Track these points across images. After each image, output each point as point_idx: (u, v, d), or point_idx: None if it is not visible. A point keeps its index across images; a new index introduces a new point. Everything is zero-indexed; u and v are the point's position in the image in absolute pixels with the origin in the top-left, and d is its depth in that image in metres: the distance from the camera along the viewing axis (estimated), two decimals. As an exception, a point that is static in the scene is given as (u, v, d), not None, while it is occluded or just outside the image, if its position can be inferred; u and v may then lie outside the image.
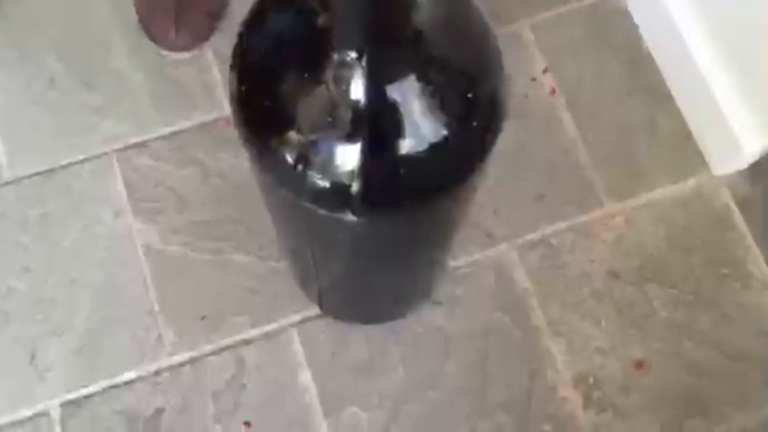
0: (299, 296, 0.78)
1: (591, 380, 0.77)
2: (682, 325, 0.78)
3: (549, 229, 0.81)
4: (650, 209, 0.82)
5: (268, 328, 0.77)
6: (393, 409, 0.75)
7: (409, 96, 0.39)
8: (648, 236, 0.81)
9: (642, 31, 0.87)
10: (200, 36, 0.85)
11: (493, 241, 0.81)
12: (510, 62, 0.46)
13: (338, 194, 0.43)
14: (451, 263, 0.78)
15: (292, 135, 0.43)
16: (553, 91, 0.86)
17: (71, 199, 0.81)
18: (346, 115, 0.40)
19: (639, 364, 0.77)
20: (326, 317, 0.77)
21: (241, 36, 0.44)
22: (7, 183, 0.82)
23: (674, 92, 0.85)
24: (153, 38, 0.85)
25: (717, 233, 0.81)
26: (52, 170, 0.82)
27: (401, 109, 0.39)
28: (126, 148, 0.83)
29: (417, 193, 0.44)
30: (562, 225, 0.81)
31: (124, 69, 0.85)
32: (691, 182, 0.83)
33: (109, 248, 0.80)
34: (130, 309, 0.78)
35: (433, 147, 0.41)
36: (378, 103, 0.39)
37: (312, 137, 0.42)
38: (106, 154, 0.83)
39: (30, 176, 0.82)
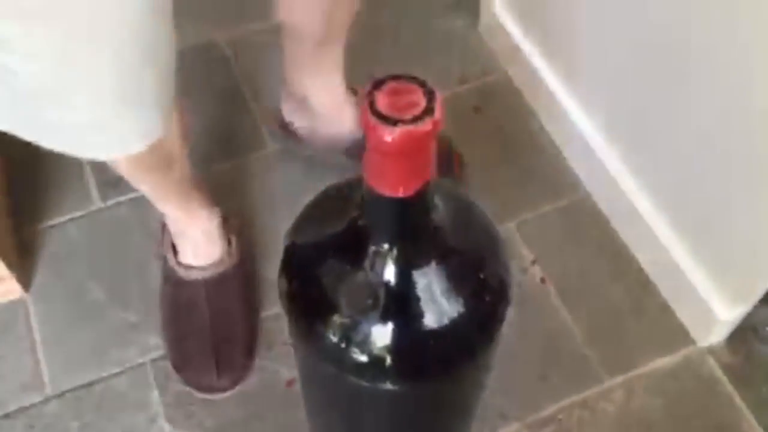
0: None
1: None
2: (693, 490, 0.83)
3: (555, 407, 0.87)
4: (646, 381, 0.89)
5: None
6: None
7: (432, 279, 0.48)
8: (647, 407, 0.88)
9: (614, 224, 0.99)
10: (240, 376, 0.87)
11: (506, 422, 0.86)
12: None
13: (376, 367, 0.51)
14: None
15: (336, 319, 0.51)
16: (542, 281, 0.96)
17: (109, 409, 0.87)
18: (381, 298, 0.48)
19: None
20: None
21: (287, 243, 0.54)
22: (48, 398, 0.88)
23: (651, 276, 0.95)
24: (192, 385, 0.86)
25: (709, 399, 0.88)
26: (90, 383, 0.89)
27: (427, 290, 0.49)
28: (159, 358, 0.90)
29: (443, 363, 0.51)
30: (566, 402, 0.88)
31: (157, 286, 0.95)
32: (680, 354, 0.91)
33: (145, 454, 0.85)
34: None
35: (454, 321, 0.50)
36: (406, 287, 0.48)
37: (353, 320, 0.51)
38: (141, 365, 0.90)
39: (71, 390, 0.88)
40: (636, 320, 0.93)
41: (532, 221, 1.00)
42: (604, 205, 1.00)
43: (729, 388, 0.88)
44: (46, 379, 0.89)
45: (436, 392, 0.54)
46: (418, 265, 0.48)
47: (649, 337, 0.92)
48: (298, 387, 0.86)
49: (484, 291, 0.51)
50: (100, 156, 0.65)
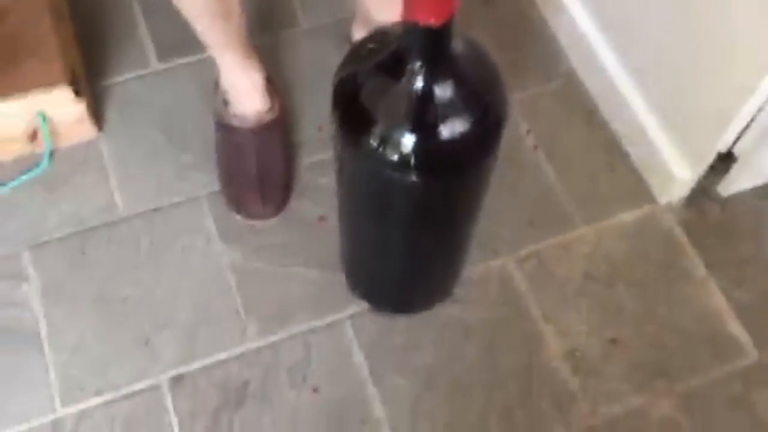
0: (351, 297, 1.01)
1: (577, 354, 0.99)
2: (643, 312, 1.02)
3: (539, 246, 1.07)
4: (615, 229, 1.08)
5: (329, 319, 1.00)
6: (427, 380, 0.97)
7: (451, 93, 0.66)
8: (614, 249, 1.07)
9: (596, 101, 1.16)
10: (280, 208, 1.06)
11: (497, 255, 1.06)
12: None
13: (404, 164, 0.69)
14: (465, 271, 1.03)
15: (376, 128, 0.69)
16: (535, 147, 1.14)
17: (172, 231, 1.06)
18: (413, 105, 0.66)
19: (613, 341, 1.00)
20: (372, 311, 1.01)
21: (339, 70, 0.71)
22: (122, 218, 1.07)
23: (624, 142, 1.13)
24: (241, 212, 1.05)
25: (666, 245, 1.07)
26: (157, 209, 1.07)
27: (446, 102, 0.66)
28: (213, 192, 1.09)
29: (455, 162, 0.69)
30: (548, 242, 1.07)
31: (210, 133, 1.11)
32: (644, 209, 1.09)
33: (202, 266, 1.04)
34: (222, 309, 1.01)
35: (465, 129, 0.68)
36: (431, 97, 0.65)
37: (390, 126, 0.68)
38: (198, 197, 1.09)
39: (140, 213, 1.07)
40: (609, 180, 1.11)
41: (529, 98, 1.17)
42: (590, 85, 1.17)
43: (683, 238, 1.07)
44: (119, 203, 1.08)
45: (448, 187, 0.73)
46: (442, 81, 0.65)
47: (620, 194, 1.10)
48: (326, 223, 1.06)
49: (488, 109, 0.69)
50: None
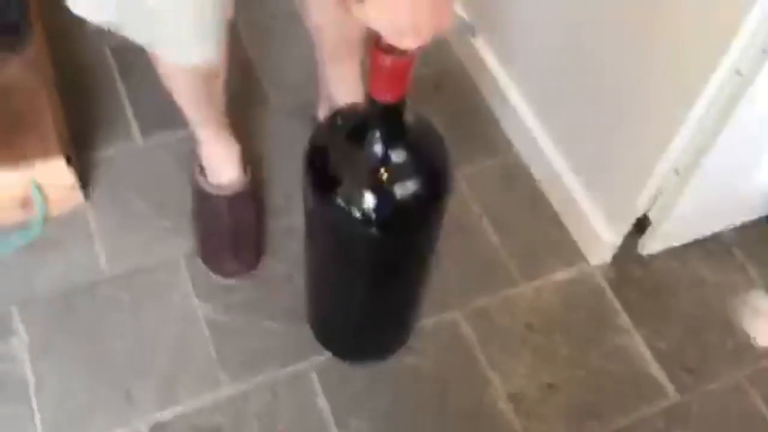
0: (316, 348, 1.12)
1: (519, 397, 1.11)
2: (577, 359, 1.15)
3: (485, 300, 1.19)
4: (551, 286, 1.21)
5: (295, 368, 1.10)
6: (385, 422, 1.07)
7: (404, 159, 0.79)
8: (551, 303, 1.20)
9: (533, 173, 1.31)
10: (252, 266, 1.17)
11: (448, 309, 1.18)
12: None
13: (366, 220, 0.81)
14: (419, 323, 1.14)
15: (342, 189, 0.82)
16: (480, 216, 1.28)
17: (152, 289, 1.16)
18: (373, 170, 0.79)
19: (550, 386, 1.12)
20: (335, 360, 1.11)
21: (310, 139, 0.85)
22: (106, 278, 1.16)
23: (558, 209, 1.28)
24: (216, 271, 1.16)
25: (596, 300, 1.21)
26: (137, 270, 1.17)
27: (400, 166, 0.79)
28: (189, 254, 1.19)
29: (409, 218, 0.82)
30: (493, 298, 1.20)
31: (187, 201, 1.23)
32: (577, 267, 1.23)
33: (179, 321, 1.13)
34: (197, 360, 1.10)
35: (418, 191, 0.81)
36: (388, 162, 0.79)
37: (353, 189, 0.81)
38: (176, 258, 1.19)
39: (122, 274, 1.17)
40: (546, 242, 1.26)
41: (475, 172, 1.32)
42: (528, 160, 1.33)
43: (610, 293, 1.21)
44: (103, 265, 1.17)
45: (403, 241, 0.85)
46: (397, 149, 0.78)
47: (555, 255, 1.25)
48: (293, 281, 1.17)
49: (436, 172, 0.83)
50: (176, 59, 0.93)
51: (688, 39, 0.94)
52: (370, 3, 0.62)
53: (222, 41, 0.92)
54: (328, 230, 0.88)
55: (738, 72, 0.91)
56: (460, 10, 1.40)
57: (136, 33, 0.89)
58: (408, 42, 0.66)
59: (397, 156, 0.79)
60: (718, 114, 0.97)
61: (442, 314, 1.17)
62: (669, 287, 1.23)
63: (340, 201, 0.82)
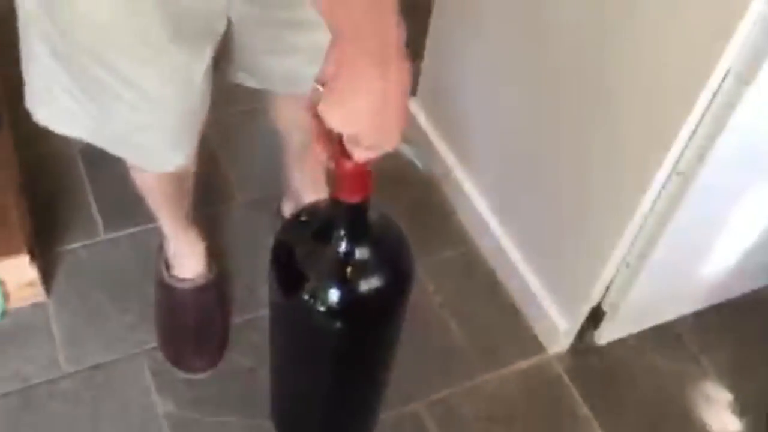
0: (278, 442, 1.11)
1: (483, 489, 1.11)
2: (539, 449, 1.16)
3: (446, 392, 1.20)
4: (512, 376, 1.23)
5: (257, 464, 1.09)
6: None
7: (367, 255, 0.82)
8: (512, 393, 1.22)
9: (491, 265, 1.35)
10: (215, 361, 1.17)
11: (410, 401, 1.19)
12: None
13: (331, 314, 0.83)
14: (382, 416, 1.14)
15: (307, 284, 0.84)
16: (440, 305, 1.30)
17: (112, 385, 1.14)
18: (337, 266, 0.82)
19: (514, 477, 1.12)
20: (298, 455, 1.10)
21: (277, 236, 0.87)
22: (65, 375, 1.15)
23: (516, 302, 1.31)
24: (178, 366, 1.15)
25: (555, 389, 1.23)
26: (98, 366, 1.16)
27: (364, 263, 0.82)
28: (151, 349, 1.19)
29: (375, 313, 0.84)
30: (454, 389, 1.21)
31: (149, 295, 1.23)
32: (536, 357, 1.26)
33: (139, 418, 1.12)
34: (156, 457, 1.08)
35: (381, 286, 0.83)
36: (352, 259, 0.81)
37: (318, 284, 0.83)
38: (137, 353, 1.18)
39: (83, 370, 1.15)
40: (505, 333, 1.28)
41: (434, 263, 1.36)
42: (486, 252, 1.37)
43: (568, 382, 1.24)
44: (61, 361, 1.16)
45: (367, 333, 0.87)
46: (361, 246, 0.81)
47: (515, 345, 1.27)
48: (256, 374, 1.17)
49: (398, 267, 0.85)
50: (158, 168, 0.96)
51: (631, 142, 1.00)
52: (330, 111, 0.66)
53: (197, 144, 0.96)
54: (294, 324, 0.89)
55: (678, 172, 0.97)
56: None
57: (113, 146, 0.92)
58: (362, 153, 0.70)
59: (361, 253, 0.82)
60: (661, 212, 1.02)
61: (404, 407, 1.18)
62: (625, 376, 1.26)
63: (305, 296, 0.84)
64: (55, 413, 1.11)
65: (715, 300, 1.32)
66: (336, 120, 0.65)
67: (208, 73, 0.87)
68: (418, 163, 1.47)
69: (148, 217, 1.21)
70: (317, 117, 0.71)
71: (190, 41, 0.82)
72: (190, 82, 0.86)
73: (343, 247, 0.81)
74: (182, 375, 1.16)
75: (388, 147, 0.69)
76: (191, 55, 0.84)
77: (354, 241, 0.81)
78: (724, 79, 0.87)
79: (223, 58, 0.89)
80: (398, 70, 0.62)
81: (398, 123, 0.66)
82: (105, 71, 0.81)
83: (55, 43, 0.81)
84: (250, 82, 0.97)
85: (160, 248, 1.22)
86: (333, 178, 0.77)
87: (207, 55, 0.85)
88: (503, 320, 1.30)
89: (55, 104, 0.88)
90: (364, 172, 0.75)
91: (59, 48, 0.82)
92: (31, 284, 1.18)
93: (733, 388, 1.26)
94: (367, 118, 0.64)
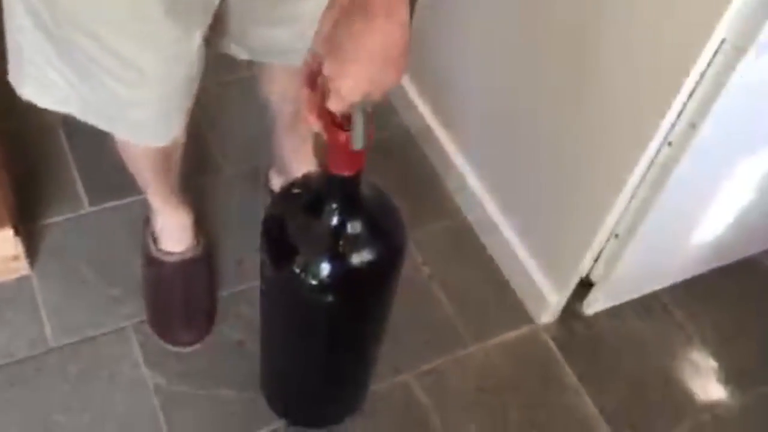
0: (269, 415, 1.11)
1: (473, 458, 1.12)
2: (527, 418, 1.17)
3: (436, 362, 1.21)
4: (500, 347, 1.24)
5: (248, 437, 1.10)
6: (339, 488, 1.07)
7: (359, 228, 0.81)
8: (501, 364, 1.22)
9: (481, 237, 1.35)
10: (203, 335, 1.16)
11: (399, 372, 1.19)
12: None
13: (322, 288, 0.83)
14: (372, 387, 1.15)
15: (299, 257, 0.83)
16: (429, 277, 1.30)
17: (99, 359, 1.14)
18: (329, 239, 0.81)
19: (503, 446, 1.14)
20: (289, 427, 1.10)
21: (268, 209, 0.86)
22: (51, 350, 1.14)
23: (505, 273, 1.31)
24: (166, 340, 1.14)
25: (543, 360, 1.24)
26: (84, 340, 1.15)
27: (356, 235, 0.81)
28: (138, 323, 1.18)
29: (366, 286, 0.84)
30: (444, 360, 1.21)
31: (134, 269, 1.22)
32: (525, 328, 1.27)
33: (128, 391, 1.11)
34: (145, 428, 1.08)
35: (373, 259, 0.83)
36: (344, 231, 0.81)
37: (309, 257, 0.83)
38: (124, 327, 1.17)
39: (69, 344, 1.14)
40: (494, 304, 1.29)
41: (424, 235, 1.35)
42: (475, 223, 1.37)
43: (557, 352, 1.25)
44: (48, 335, 1.15)
45: (358, 306, 0.87)
46: (353, 218, 0.81)
47: (503, 316, 1.28)
48: (245, 347, 1.16)
49: (390, 239, 0.85)
50: (150, 142, 0.94)
51: (622, 112, 1.00)
52: (339, 67, 0.65)
53: (187, 116, 0.94)
54: (285, 297, 0.89)
55: (669, 143, 0.97)
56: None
57: (102, 122, 0.90)
58: (353, 95, 0.67)
59: (353, 226, 0.81)
60: (651, 183, 1.03)
61: (395, 378, 1.18)
62: (612, 346, 1.27)
63: (296, 269, 0.83)
64: (43, 388, 1.10)
65: (702, 269, 1.33)
66: (346, 74, 0.65)
67: (201, 47, 0.85)
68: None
69: (133, 189, 1.20)
70: (311, 88, 0.70)
71: (186, 14, 0.80)
72: (184, 56, 0.84)
73: (335, 220, 0.80)
74: (171, 348, 1.16)
75: (395, 83, 0.68)
76: (186, 30, 0.82)
77: (346, 214, 0.80)
78: (717, 49, 0.87)
79: (215, 29, 0.87)
80: (399, 4, 0.63)
81: (404, 57, 0.66)
82: (96, 46, 0.79)
83: (42, 16, 0.79)
84: (243, 55, 0.96)
85: (147, 221, 1.20)
86: (325, 151, 0.77)
87: (202, 28, 0.84)
88: (492, 291, 1.31)
89: (41, 80, 0.86)
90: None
91: (47, 22, 0.79)
92: (15, 258, 1.16)
93: (717, 355, 1.28)
94: (378, 57, 0.64)
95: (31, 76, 0.86)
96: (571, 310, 1.27)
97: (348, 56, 0.64)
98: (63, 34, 0.79)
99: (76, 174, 1.33)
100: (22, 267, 1.18)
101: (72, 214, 1.28)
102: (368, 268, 0.83)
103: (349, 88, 0.65)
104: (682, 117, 0.94)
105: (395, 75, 0.67)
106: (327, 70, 0.66)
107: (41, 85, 0.86)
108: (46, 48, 0.81)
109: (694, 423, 1.21)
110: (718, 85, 0.89)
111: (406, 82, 1.46)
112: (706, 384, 1.25)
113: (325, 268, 0.83)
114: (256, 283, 0.95)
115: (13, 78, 0.89)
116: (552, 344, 1.25)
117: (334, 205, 0.80)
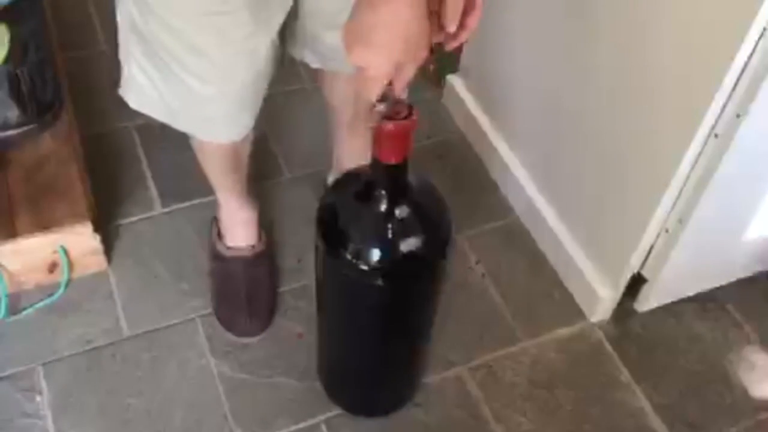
0: (326, 403, 1.16)
1: (524, 450, 1.14)
2: (580, 413, 1.18)
3: (489, 357, 1.24)
4: (553, 343, 1.26)
5: (306, 423, 1.14)
6: (393, 474, 1.11)
7: (407, 215, 0.86)
8: (553, 359, 1.24)
9: (533, 236, 1.38)
10: (265, 326, 1.23)
11: (452, 365, 1.22)
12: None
13: (374, 271, 0.87)
14: (425, 379, 1.18)
15: (351, 244, 0.88)
16: (483, 275, 1.33)
17: (169, 348, 1.21)
18: (378, 226, 0.86)
19: (555, 439, 1.15)
20: (344, 415, 1.15)
21: (322, 200, 0.92)
22: (127, 338, 1.22)
23: (558, 271, 1.33)
24: (231, 330, 1.21)
25: (596, 356, 1.25)
26: (156, 329, 1.23)
27: (403, 222, 0.86)
28: (206, 315, 1.25)
29: (413, 270, 0.88)
30: (496, 354, 1.24)
31: (202, 265, 1.29)
32: (577, 325, 1.28)
33: (195, 378, 1.18)
34: (212, 416, 1.14)
35: (421, 245, 0.87)
36: (392, 218, 0.85)
37: (361, 243, 0.88)
38: (192, 318, 1.25)
39: (143, 333, 1.22)
40: (547, 302, 1.31)
41: (477, 235, 1.39)
42: (528, 224, 1.39)
43: (609, 349, 1.26)
44: (123, 325, 1.23)
45: (408, 291, 0.91)
46: (400, 205, 0.85)
47: (556, 314, 1.29)
48: (304, 338, 1.22)
49: (437, 227, 0.89)
50: (222, 138, 1.02)
51: (668, 106, 1.02)
52: (355, 42, 0.69)
53: (258, 113, 1.01)
54: (338, 283, 0.94)
55: (715, 135, 0.98)
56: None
57: (184, 124, 0.98)
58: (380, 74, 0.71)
59: (401, 212, 0.86)
60: (698, 176, 1.04)
61: (447, 371, 1.21)
62: (666, 343, 1.27)
63: (349, 256, 0.88)
64: (118, 373, 1.18)
65: (760, 267, 1.32)
66: (372, 54, 0.69)
67: (274, 43, 0.92)
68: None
69: (202, 192, 1.28)
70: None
71: (263, 9, 0.86)
72: (257, 51, 0.91)
73: (383, 206, 0.85)
74: (235, 339, 1.22)
75: (422, 58, 0.71)
76: (261, 25, 0.88)
77: (394, 200, 0.85)
78: (760, 37, 0.88)
79: (292, 34, 0.94)
80: None
81: (427, 33, 0.69)
82: (175, 41, 0.86)
83: (133, 16, 0.87)
84: (315, 63, 1.02)
85: (214, 220, 1.28)
86: (374, 141, 0.82)
87: (276, 23, 0.90)
88: (544, 289, 1.33)
89: (136, 84, 0.94)
90: (402, 132, 0.79)
91: (136, 20, 0.87)
92: (94, 253, 1.25)
93: (777, 355, 1.27)
94: (398, 36, 0.67)
95: (130, 84, 0.95)
96: (624, 308, 1.28)
97: (371, 40, 0.68)
98: (149, 29, 0.87)
99: (149, 178, 1.42)
100: (101, 262, 1.27)
101: (145, 215, 1.37)
102: (416, 253, 0.88)
103: (378, 66, 0.69)
104: (727, 108, 0.95)
105: (418, 53, 0.70)
106: (355, 59, 0.70)
107: (139, 91, 0.95)
108: (137, 50, 0.89)
109: (753, 422, 1.20)
110: (764, 73, 0.91)
111: (462, 89, 1.50)
112: (765, 384, 1.24)
113: (376, 253, 0.87)
114: (314, 279, 1.00)
115: (122, 90, 0.98)
116: (605, 341, 1.26)
117: (383, 192, 0.84)
